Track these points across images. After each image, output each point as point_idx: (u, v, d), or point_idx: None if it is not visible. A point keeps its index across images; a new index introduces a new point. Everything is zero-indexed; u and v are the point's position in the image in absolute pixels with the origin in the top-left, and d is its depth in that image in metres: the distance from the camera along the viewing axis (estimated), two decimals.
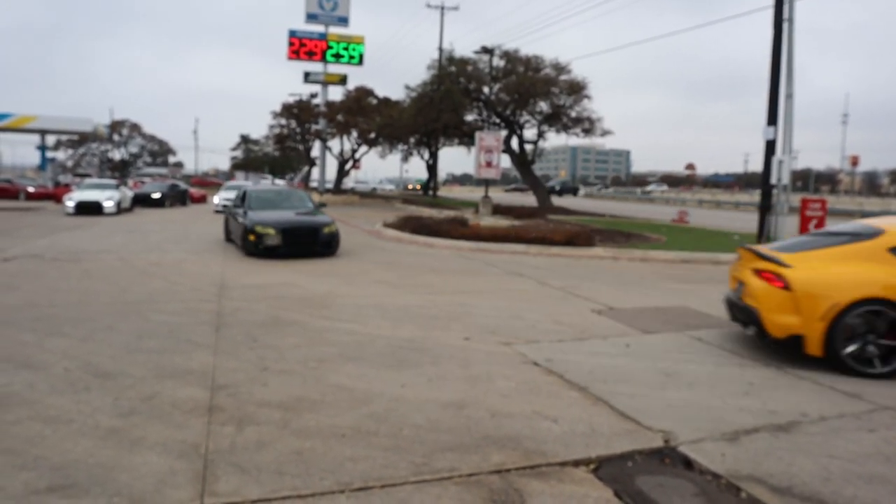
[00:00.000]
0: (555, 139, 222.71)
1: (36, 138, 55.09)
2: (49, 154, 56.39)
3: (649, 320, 8.41)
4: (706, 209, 50.16)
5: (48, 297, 9.05)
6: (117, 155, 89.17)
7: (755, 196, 60.34)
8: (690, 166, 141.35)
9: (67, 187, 39.32)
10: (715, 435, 4.56)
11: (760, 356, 6.70)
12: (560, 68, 33.03)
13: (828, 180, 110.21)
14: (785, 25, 16.75)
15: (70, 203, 26.84)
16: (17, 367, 5.72)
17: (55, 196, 36.77)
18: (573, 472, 3.97)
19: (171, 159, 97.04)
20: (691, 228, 24.60)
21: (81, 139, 79.62)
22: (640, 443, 4.41)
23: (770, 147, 17.24)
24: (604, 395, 5.37)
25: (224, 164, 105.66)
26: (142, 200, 32.98)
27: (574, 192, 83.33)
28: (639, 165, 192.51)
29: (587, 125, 33.68)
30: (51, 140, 62.77)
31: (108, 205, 26.99)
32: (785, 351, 6.51)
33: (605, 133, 34.42)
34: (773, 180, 16.74)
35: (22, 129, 52.36)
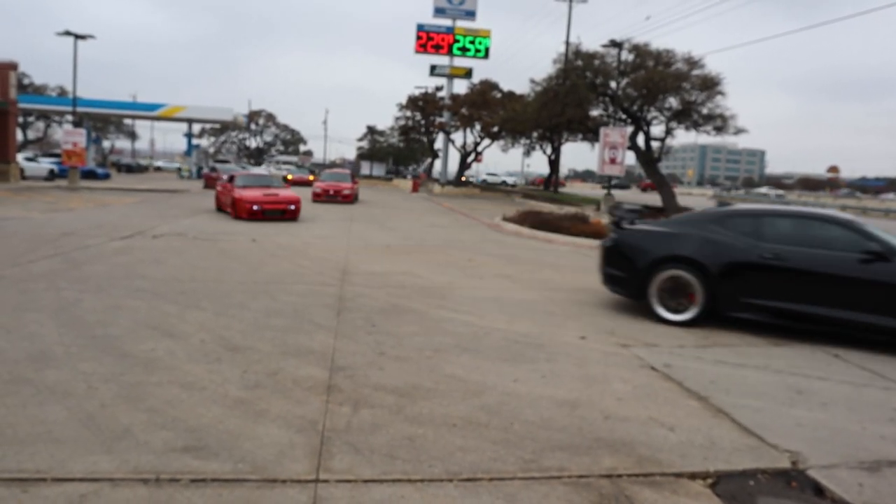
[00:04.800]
0: (683, 137, 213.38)
1: (184, 126, 59.82)
2: (194, 141, 61.07)
3: (779, 331, 7.86)
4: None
5: (189, 272, 9.79)
6: (253, 143, 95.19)
7: None
8: (833, 168, 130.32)
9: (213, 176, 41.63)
10: (851, 462, 4.20)
11: None
12: (692, 63, 31.49)
13: None
14: None
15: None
16: (162, 335, 6.25)
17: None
18: (689, 484, 3.80)
19: (302, 148, 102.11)
20: None
21: (222, 128, 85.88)
22: (764, 461, 4.14)
23: None
24: (725, 406, 5.10)
25: (351, 154, 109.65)
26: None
27: (625, 188, 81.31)
28: (774, 166, 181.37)
29: (719, 123, 31.95)
30: (196, 128, 68.01)
31: None
32: None
33: (738, 131, 32.48)
34: None
35: (172, 118, 57.13)
